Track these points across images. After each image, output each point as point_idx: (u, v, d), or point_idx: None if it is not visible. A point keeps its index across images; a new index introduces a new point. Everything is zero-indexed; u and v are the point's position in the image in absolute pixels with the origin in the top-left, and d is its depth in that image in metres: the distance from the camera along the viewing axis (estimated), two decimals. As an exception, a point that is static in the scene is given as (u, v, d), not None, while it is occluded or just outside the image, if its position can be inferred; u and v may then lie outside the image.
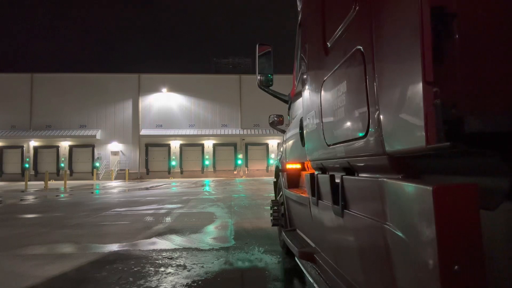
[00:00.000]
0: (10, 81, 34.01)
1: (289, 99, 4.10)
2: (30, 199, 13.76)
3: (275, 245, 4.62)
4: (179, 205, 10.02)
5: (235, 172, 34.78)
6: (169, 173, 34.39)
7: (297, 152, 3.33)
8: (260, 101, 28.85)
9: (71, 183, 25.13)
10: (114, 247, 4.81)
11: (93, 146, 34.01)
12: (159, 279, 3.37)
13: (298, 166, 3.76)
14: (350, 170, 1.69)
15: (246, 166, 34.70)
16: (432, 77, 0.88)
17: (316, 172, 2.37)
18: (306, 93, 2.47)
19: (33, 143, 33.66)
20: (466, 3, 0.89)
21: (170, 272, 3.58)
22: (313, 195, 2.27)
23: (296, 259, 3.42)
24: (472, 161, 0.99)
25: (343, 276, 1.76)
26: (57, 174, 32.34)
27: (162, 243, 4.99)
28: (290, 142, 3.76)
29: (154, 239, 5.28)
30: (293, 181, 3.74)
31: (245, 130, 34.98)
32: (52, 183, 25.22)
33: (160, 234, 5.67)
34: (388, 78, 1.16)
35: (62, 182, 22.50)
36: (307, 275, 2.70)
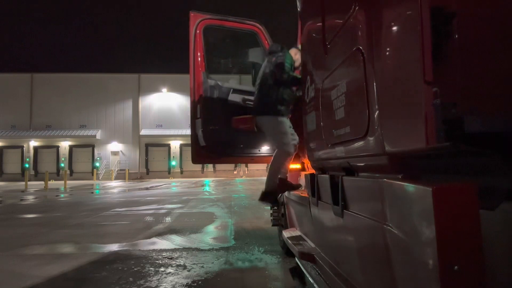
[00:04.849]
0: (10, 81, 34.01)
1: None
2: (30, 199, 13.76)
3: (275, 245, 4.62)
4: (179, 205, 10.01)
5: (235, 172, 34.78)
6: (169, 173, 34.38)
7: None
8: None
9: (71, 183, 25.11)
10: (114, 247, 4.81)
11: (93, 146, 34.01)
12: (159, 279, 3.37)
13: (298, 166, 3.77)
14: (350, 170, 1.69)
15: (246, 166, 34.67)
16: (432, 77, 0.88)
17: (316, 172, 2.37)
18: (306, 92, 2.47)
19: (33, 143, 33.65)
20: (466, 3, 0.88)
21: (170, 272, 3.58)
22: (313, 195, 2.27)
23: (296, 259, 3.42)
24: (472, 161, 0.99)
25: (343, 276, 1.76)
26: (57, 174, 32.32)
27: (162, 243, 4.99)
28: None
29: (154, 239, 5.27)
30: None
31: (245, 130, 34.92)
32: (52, 183, 25.20)
33: (160, 234, 5.67)
34: (388, 78, 1.16)
35: (62, 182, 22.48)
36: (307, 275, 2.70)
